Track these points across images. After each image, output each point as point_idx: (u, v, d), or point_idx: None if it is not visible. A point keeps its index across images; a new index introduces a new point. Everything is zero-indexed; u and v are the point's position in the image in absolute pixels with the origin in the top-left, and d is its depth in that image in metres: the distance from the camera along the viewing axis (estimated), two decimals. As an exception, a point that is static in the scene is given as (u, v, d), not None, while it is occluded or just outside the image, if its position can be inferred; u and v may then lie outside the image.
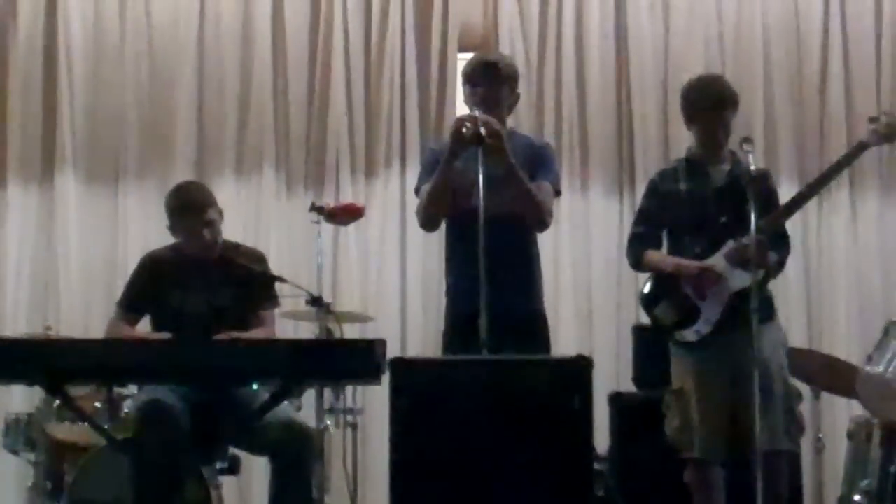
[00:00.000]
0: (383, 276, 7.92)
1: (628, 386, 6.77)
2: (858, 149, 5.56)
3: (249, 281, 5.65)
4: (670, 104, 7.88)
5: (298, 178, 8.09)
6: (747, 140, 5.40)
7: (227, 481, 6.23)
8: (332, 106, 8.08)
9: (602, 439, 6.30)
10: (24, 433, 6.40)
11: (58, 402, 5.96)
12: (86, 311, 7.81)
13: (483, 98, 5.38)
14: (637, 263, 5.75)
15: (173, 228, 5.72)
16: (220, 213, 5.74)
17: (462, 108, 5.69)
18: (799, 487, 6.08)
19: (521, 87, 7.88)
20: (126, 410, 6.00)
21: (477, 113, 5.20)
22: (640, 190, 6.16)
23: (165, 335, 5.48)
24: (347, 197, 7.89)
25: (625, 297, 7.71)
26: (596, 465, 5.37)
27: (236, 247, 5.79)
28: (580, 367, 4.44)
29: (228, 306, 5.59)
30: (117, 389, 6.04)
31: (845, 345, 7.61)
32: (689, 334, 5.46)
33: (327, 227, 6.84)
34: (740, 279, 5.37)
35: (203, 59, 8.11)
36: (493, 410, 4.38)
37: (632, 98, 8.14)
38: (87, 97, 8.04)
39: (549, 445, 4.37)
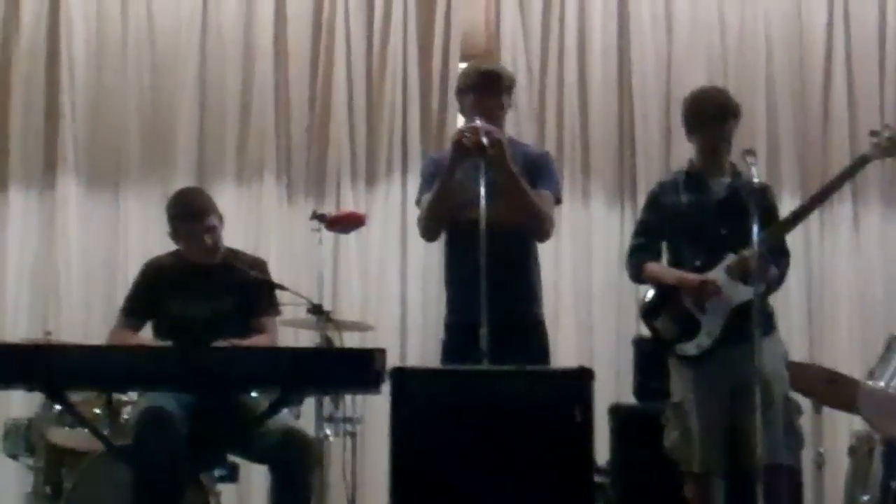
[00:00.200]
0: (383, 284, 7.91)
1: (628, 397, 6.75)
2: (860, 162, 5.55)
3: (250, 288, 5.65)
4: (672, 115, 7.86)
5: (299, 185, 8.08)
6: (750, 152, 5.40)
7: (225, 489, 6.22)
8: (334, 114, 8.07)
9: (602, 451, 6.28)
10: (24, 438, 6.38)
11: (57, 407, 5.94)
12: (86, 315, 7.79)
13: (486, 107, 5.37)
14: (637, 275, 5.74)
15: (174, 234, 5.72)
16: (221, 219, 5.73)
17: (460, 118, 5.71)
18: (800, 502, 6.05)
19: (523, 96, 8.04)
20: (126, 416, 5.99)
21: (478, 122, 5.20)
22: (642, 200, 6.15)
23: (166, 342, 5.47)
24: (348, 205, 7.89)
25: (625, 307, 7.69)
26: (596, 478, 5.36)
27: (237, 254, 5.79)
28: (582, 379, 4.44)
29: (229, 313, 5.59)
30: (117, 395, 6.02)
31: (847, 359, 7.60)
32: (690, 348, 5.44)
33: (328, 235, 6.82)
34: (741, 293, 5.36)
35: (204, 66, 8.10)
36: (493, 421, 4.39)
37: (634, 108, 8.15)
38: (88, 102, 8.02)
39: (549, 457, 4.37)
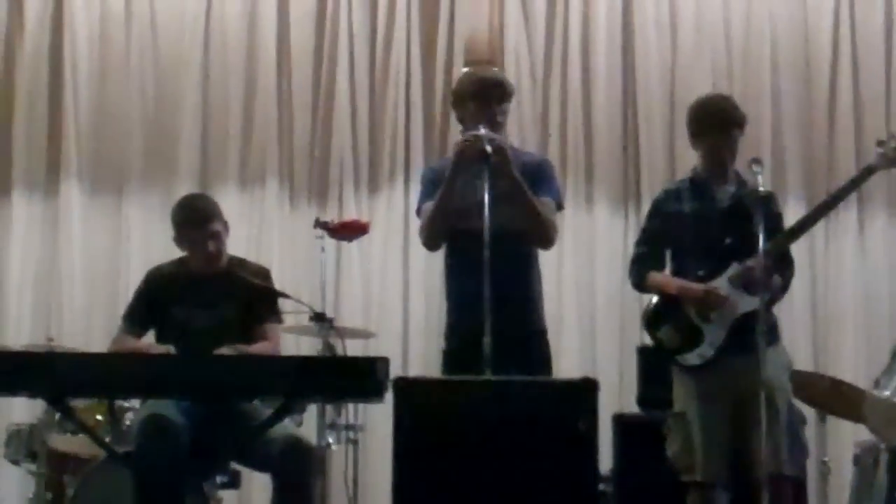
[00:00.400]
0: (386, 291, 7.91)
1: (632, 406, 6.73)
2: (866, 172, 5.52)
3: (253, 296, 5.63)
4: (676, 121, 7.86)
5: (302, 191, 8.08)
6: (756, 161, 5.36)
7: (227, 495, 6.21)
8: (337, 119, 8.07)
9: (605, 459, 6.26)
10: (26, 444, 6.38)
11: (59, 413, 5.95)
12: (88, 321, 7.80)
13: (487, 115, 5.35)
14: (639, 284, 5.70)
15: (178, 240, 5.70)
16: (226, 226, 5.72)
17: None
18: (804, 512, 6.05)
19: (527, 102, 8.03)
20: (128, 423, 5.98)
21: (482, 130, 5.19)
22: (646, 207, 6.13)
23: (168, 349, 5.46)
24: (351, 211, 7.89)
25: (629, 315, 7.66)
26: (599, 486, 5.34)
27: (241, 262, 5.78)
28: (586, 390, 4.42)
29: (232, 321, 5.57)
30: (119, 402, 6.02)
31: (852, 368, 7.59)
32: (692, 358, 5.41)
33: (330, 242, 6.81)
34: (745, 302, 5.34)
35: (207, 72, 8.11)
36: (497, 432, 4.37)
37: (638, 114, 8.14)
38: (91, 109, 8.03)
39: (553, 468, 4.35)
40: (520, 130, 8.02)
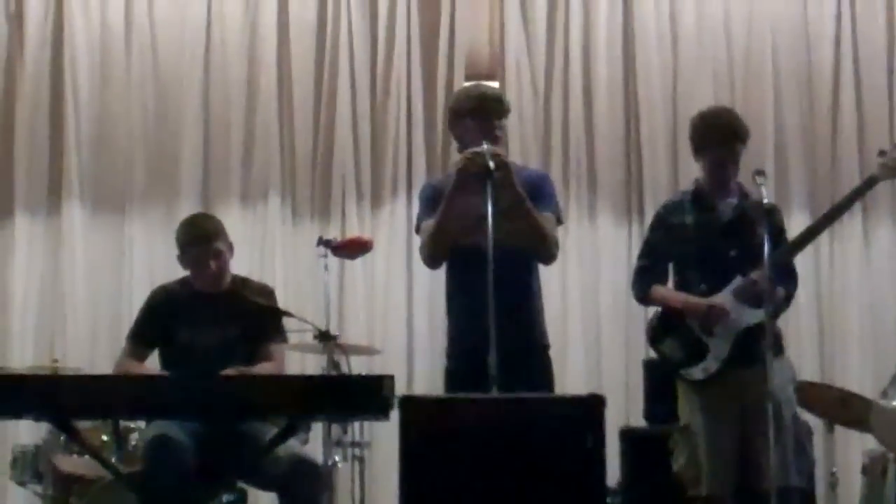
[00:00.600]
0: (390, 307, 7.89)
1: (638, 419, 6.73)
2: (869, 183, 5.51)
3: (257, 316, 5.62)
4: (679, 133, 7.85)
5: (304, 207, 8.07)
6: (760, 173, 5.35)
7: (233, 514, 6.21)
8: (338, 135, 8.06)
9: (612, 472, 6.24)
10: (31, 465, 6.38)
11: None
12: (92, 341, 7.80)
13: (489, 131, 5.34)
14: (643, 298, 5.70)
15: (181, 259, 5.70)
16: (230, 247, 5.71)
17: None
18: (813, 523, 6.04)
19: (529, 116, 8.02)
20: (133, 444, 5.98)
21: (484, 146, 5.17)
22: (649, 219, 6.12)
23: (172, 371, 5.45)
24: (353, 226, 7.89)
25: (634, 327, 7.62)
26: (607, 501, 5.32)
27: (245, 281, 5.77)
28: (593, 406, 4.41)
29: (236, 341, 5.55)
30: (124, 423, 6.01)
31: (858, 377, 7.57)
32: (697, 372, 5.40)
33: (334, 258, 6.81)
34: (748, 316, 5.33)
35: (208, 89, 8.11)
36: (504, 449, 4.35)
37: (640, 125, 8.13)
38: (93, 128, 8.03)
39: (561, 484, 4.33)
40: (521, 143, 8.02)
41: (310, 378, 5.44)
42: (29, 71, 8.02)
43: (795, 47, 8.15)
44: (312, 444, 6.14)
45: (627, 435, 6.36)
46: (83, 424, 5.75)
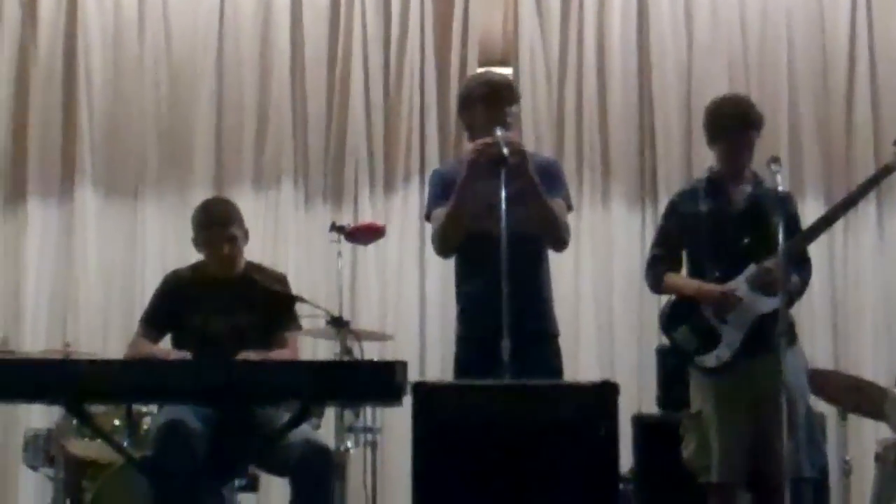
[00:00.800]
0: (402, 293, 7.88)
1: (650, 405, 6.70)
2: (884, 172, 5.48)
3: (271, 302, 5.62)
4: (693, 119, 7.83)
5: (317, 192, 8.07)
6: (775, 160, 5.31)
7: (245, 499, 6.21)
8: (351, 120, 8.05)
9: (624, 459, 6.23)
10: (44, 449, 6.39)
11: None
12: (104, 325, 7.80)
13: (501, 117, 5.32)
14: (656, 286, 5.68)
15: (196, 241, 5.72)
16: (245, 233, 5.72)
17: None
18: (826, 512, 6.03)
19: (543, 102, 8.00)
20: (145, 428, 5.98)
21: (498, 132, 5.15)
22: (662, 205, 6.10)
23: (185, 355, 5.45)
24: (366, 212, 7.89)
25: (647, 314, 7.60)
26: (619, 487, 5.31)
27: (259, 267, 5.78)
28: (606, 393, 4.40)
29: (250, 327, 5.57)
30: (136, 407, 6.01)
31: (872, 365, 7.55)
32: (710, 359, 5.39)
33: (347, 244, 6.80)
34: (762, 304, 5.32)
35: (222, 74, 8.10)
36: (517, 436, 4.34)
37: (654, 113, 8.10)
38: (106, 112, 8.02)
39: (574, 471, 4.32)
40: (535, 130, 8.00)
41: (322, 364, 5.44)
42: (42, 56, 8.02)
43: (810, 34, 8.11)
44: (324, 429, 6.13)
45: (640, 422, 6.34)
46: (95, 409, 5.75)
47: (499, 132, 5.14)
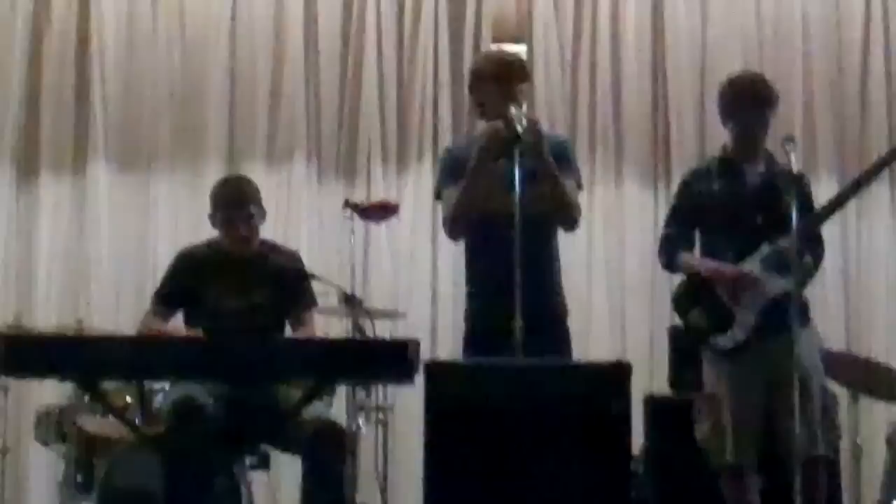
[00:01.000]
0: (414, 271, 7.87)
1: (662, 386, 6.68)
2: (895, 153, 5.47)
3: (285, 280, 5.63)
4: (707, 97, 7.79)
5: (330, 168, 8.04)
6: (789, 139, 5.28)
7: (256, 476, 6.20)
8: (365, 97, 8.03)
9: (636, 440, 6.22)
10: (55, 426, 6.38)
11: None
12: (116, 301, 7.79)
13: (512, 95, 5.29)
14: (669, 265, 5.68)
15: (213, 218, 5.71)
16: (263, 213, 5.72)
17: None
18: (837, 493, 6.00)
19: (556, 79, 7.98)
20: (157, 405, 5.98)
21: (513, 110, 5.12)
22: (676, 184, 6.08)
23: (198, 333, 5.45)
24: (379, 189, 7.87)
25: (659, 294, 7.59)
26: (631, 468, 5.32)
27: (272, 245, 5.78)
28: (619, 373, 4.39)
29: (263, 304, 5.58)
30: (148, 384, 6.02)
31: (885, 347, 7.52)
32: (724, 340, 5.38)
33: (359, 221, 6.79)
34: (777, 284, 5.30)
35: (235, 49, 8.07)
36: (529, 415, 4.34)
37: (668, 91, 8.07)
38: (118, 87, 7.99)
39: (585, 451, 4.32)
40: (548, 108, 7.98)
41: (335, 341, 5.44)
42: (55, 30, 7.99)
43: (825, 12, 8.07)
44: (335, 407, 6.13)
45: (652, 402, 6.32)
46: (107, 385, 5.76)
47: (513, 110, 5.12)
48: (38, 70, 7.99)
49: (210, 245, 5.73)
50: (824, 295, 7.46)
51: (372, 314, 6.11)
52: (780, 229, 5.22)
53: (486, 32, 8.08)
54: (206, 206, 5.80)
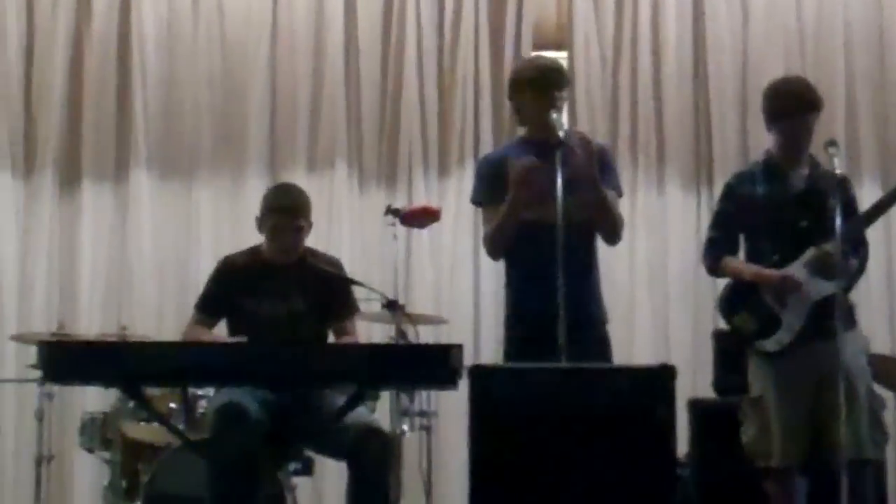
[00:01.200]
0: (456, 276, 7.87)
1: (706, 390, 6.66)
2: None
3: (326, 287, 5.62)
4: (749, 102, 7.79)
5: (371, 174, 8.05)
6: (832, 143, 5.30)
7: (300, 482, 6.22)
8: (406, 103, 8.04)
9: (680, 444, 6.19)
10: (100, 432, 6.39)
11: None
12: (159, 309, 7.81)
13: (551, 101, 5.27)
14: (714, 269, 5.66)
15: (261, 222, 5.68)
16: (310, 226, 5.71)
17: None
18: (883, 496, 5.98)
19: (597, 85, 7.97)
20: (201, 411, 5.99)
21: (553, 117, 5.11)
22: (718, 188, 6.08)
23: (241, 339, 5.46)
24: (420, 195, 7.87)
25: (703, 297, 7.58)
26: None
27: (313, 252, 5.77)
28: (664, 377, 4.38)
29: (305, 312, 5.57)
30: (193, 390, 6.03)
31: (929, 351, 7.48)
32: (770, 344, 5.36)
33: (401, 227, 6.79)
34: (822, 288, 5.29)
35: (275, 57, 8.09)
36: (573, 419, 4.34)
37: (709, 96, 8.05)
38: (160, 95, 8.03)
39: (631, 455, 4.31)
40: (589, 114, 7.97)
41: (378, 347, 5.45)
42: (96, 39, 8.02)
43: (867, 15, 8.05)
44: (379, 413, 6.13)
45: (696, 406, 6.30)
46: (151, 391, 5.77)
47: (553, 116, 5.11)
48: (80, 79, 8.02)
49: (251, 253, 5.73)
50: (869, 298, 7.43)
51: (414, 320, 6.10)
52: (825, 233, 5.21)
53: (527, 39, 8.09)
54: (247, 212, 5.82)
